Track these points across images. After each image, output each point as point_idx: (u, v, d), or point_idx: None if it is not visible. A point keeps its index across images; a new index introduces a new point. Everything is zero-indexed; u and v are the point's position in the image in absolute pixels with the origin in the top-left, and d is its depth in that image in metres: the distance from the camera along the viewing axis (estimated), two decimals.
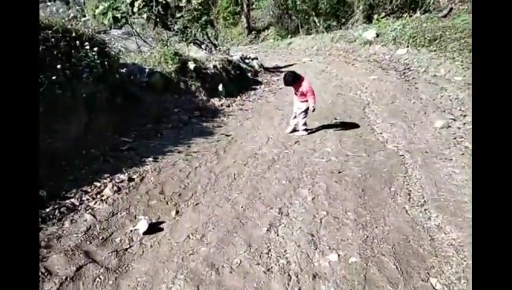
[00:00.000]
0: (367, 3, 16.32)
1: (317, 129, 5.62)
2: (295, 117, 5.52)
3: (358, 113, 6.37)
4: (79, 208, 3.30)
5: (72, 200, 3.38)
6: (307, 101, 5.25)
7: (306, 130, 5.49)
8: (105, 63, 5.04)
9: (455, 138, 4.96)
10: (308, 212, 3.36)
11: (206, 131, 5.48)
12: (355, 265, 2.66)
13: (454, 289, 2.46)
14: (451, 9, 13.40)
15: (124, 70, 5.65)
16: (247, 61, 11.07)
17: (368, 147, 4.86)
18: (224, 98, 7.42)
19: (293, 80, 5.14)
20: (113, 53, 5.89)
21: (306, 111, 5.34)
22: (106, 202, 3.42)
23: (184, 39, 10.10)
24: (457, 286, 2.49)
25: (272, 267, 2.65)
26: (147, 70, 6.14)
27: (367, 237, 2.98)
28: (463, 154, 4.47)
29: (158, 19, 10.53)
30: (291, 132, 5.54)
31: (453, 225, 3.11)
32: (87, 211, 3.27)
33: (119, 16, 10.24)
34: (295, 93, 5.37)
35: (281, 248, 2.87)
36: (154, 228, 3.10)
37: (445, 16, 12.82)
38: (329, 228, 3.10)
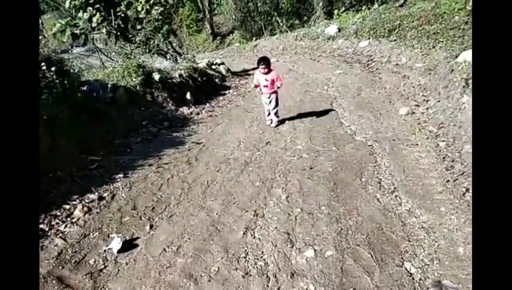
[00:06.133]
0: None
1: (288, 127, 5.69)
2: (269, 114, 5.87)
3: (326, 108, 6.46)
4: (49, 233, 3.18)
5: (41, 225, 3.26)
6: (274, 92, 5.61)
7: (277, 117, 5.86)
8: (65, 82, 4.91)
9: (419, 123, 5.11)
10: (283, 211, 3.38)
11: (176, 141, 5.42)
12: (331, 258, 2.69)
13: (428, 270, 2.54)
14: None
15: (85, 88, 5.51)
16: (213, 67, 11.00)
17: (337, 140, 4.94)
18: (193, 106, 7.36)
19: (268, 61, 5.57)
20: (73, 71, 5.76)
21: (276, 103, 5.72)
22: (77, 224, 3.32)
23: (147, 50, 9.98)
24: (430, 267, 2.56)
25: (250, 271, 2.65)
26: (109, 85, 6.00)
27: (341, 229, 3.02)
28: (427, 138, 4.61)
29: (119, 33, 10.36)
30: (270, 124, 5.91)
31: (423, 208, 3.21)
32: (58, 236, 3.16)
33: (78, 32, 10.02)
34: (265, 86, 5.60)
35: (258, 250, 2.87)
36: (128, 245, 3.03)
37: (401, 6, 13.19)
38: (304, 225, 3.13)
